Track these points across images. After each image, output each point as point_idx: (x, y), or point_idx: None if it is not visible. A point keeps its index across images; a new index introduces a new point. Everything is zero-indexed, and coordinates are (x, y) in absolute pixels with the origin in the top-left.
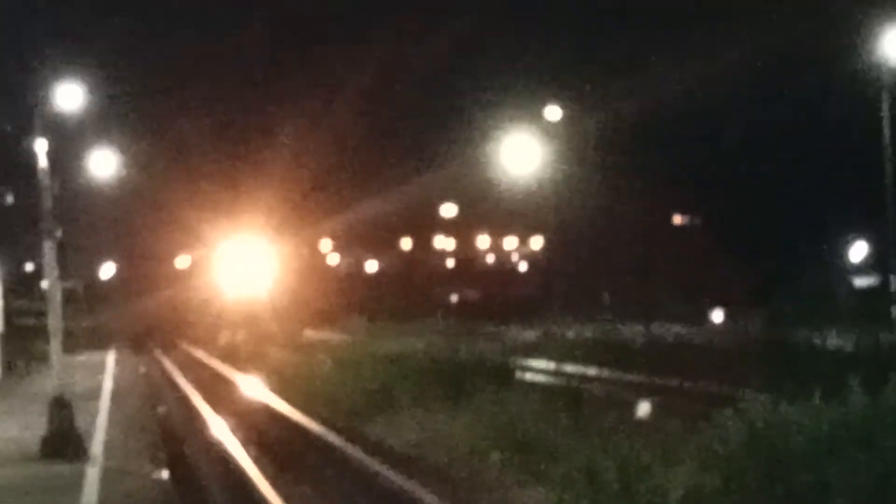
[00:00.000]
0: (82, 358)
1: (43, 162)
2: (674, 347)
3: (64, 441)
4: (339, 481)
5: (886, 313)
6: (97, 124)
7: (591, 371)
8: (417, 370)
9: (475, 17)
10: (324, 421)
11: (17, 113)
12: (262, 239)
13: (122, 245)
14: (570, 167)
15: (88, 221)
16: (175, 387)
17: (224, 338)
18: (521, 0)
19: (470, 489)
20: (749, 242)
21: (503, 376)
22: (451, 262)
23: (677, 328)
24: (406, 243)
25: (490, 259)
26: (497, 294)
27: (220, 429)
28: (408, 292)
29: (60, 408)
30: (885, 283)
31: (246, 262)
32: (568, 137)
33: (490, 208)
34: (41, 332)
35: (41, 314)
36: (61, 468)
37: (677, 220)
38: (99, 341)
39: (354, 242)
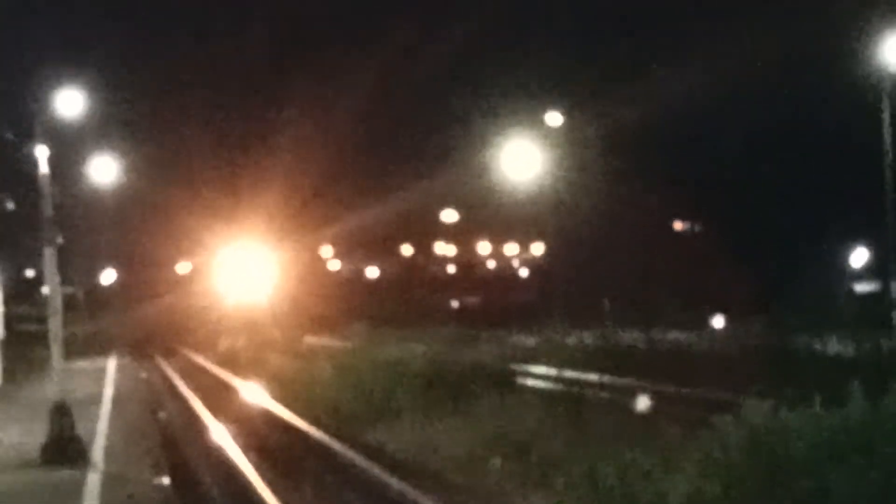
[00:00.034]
0: (83, 364)
1: (43, 168)
2: (674, 353)
3: (65, 447)
4: (339, 487)
5: (887, 319)
6: (97, 131)
7: (592, 377)
8: (418, 376)
9: (476, 23)
10: (324, 427)
11: (18, 119)
12: (262, 245)
13: (123, 251)
14: (570, 173)
15: (89, 227)
16: (176, 393)
17: (224, 344)
18: (521, 6)
19: (470, 495)
20: (750, 248)
21: (504, 382)
22: (451, 269)
23: (678, 334)
24: (407, 249)
25: (491, 265)
26: (497, 300)
27: (220, 435)
28: (408, 298)
29: (61, 414)
30: (885, 289)
31: (246, 268)
32: (569, 143)
33: (491, 214)
34: (42, 338)
35: (42, 320)
36: (62, 474)
37: (678, 225)
38: (100, 347)
39: (355, 248)
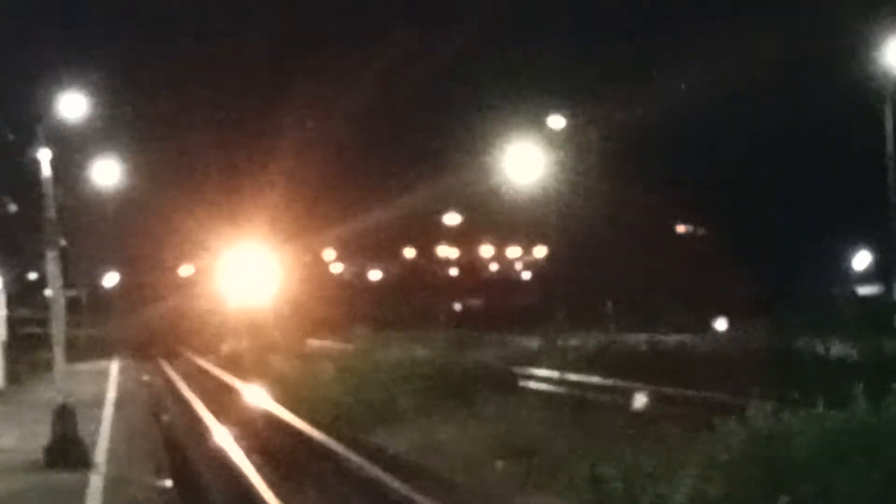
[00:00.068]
0: (86, 366)
1: (46, 171)
2: (677, 355)
3: (67, 450)
4: (342, 490)
5: (889, 322)
6: (100, 133)
7: (594, 379)
8: (421, 378)
9: (477, 26)
10: (326, 429)
11: (21, 122)
12: (265, 248)
13: (126, 254)
14: (573, 176)
15: (92, 230)
16: (178, 395)
17: (227, 347)
18: (522, 7)
19: (473, 497)
20: (752, 251)
21: (506, 384)
22: (454, 271)
23: (680, 336)
24: (409, 252)
25: (493, 268)
26: (500, 302)
27: (223, 437)
28: (411, 301)
29: (64, 416)
30: (888, 292)
31: (249, 270)
32: (571, 146)
33: (493, 217)
34: (44, 341)
35: (44, 323)
36: (64, 477)
37: (680, 228)
38: (102, 350)
39: (358, 251)
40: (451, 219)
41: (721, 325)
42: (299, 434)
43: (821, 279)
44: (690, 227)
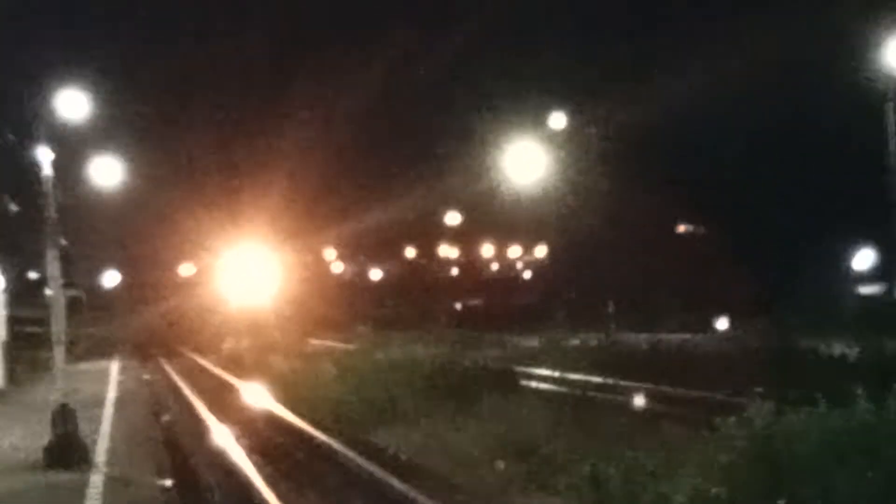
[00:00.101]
0: (86, 366)
1: (47, 171)
2: (678, 355)
3: (67, 449)
4: (343, 490)
5: (891, 321)
6: (100, 133)
7: (595, 379)
8: (421, 378)
9: (478, 26)
10: (327, 429)
11: (22, 122)
12: (265, 247)
13: (126, 253)
14: (573, 175)
15: (92, 230)
16: (179, 395)
17: (228, 346)
18: (523, 9)
19: (474, 497)
20: (753, 250)
21: (507, 384)
22: (455, 271)
23: (681, 336)
24: (410, 252)
25: (494, 267)
26: (501, 302)
27: (224, 437)
28: (412, 300)
29: (64, 416)
30: (890, 291)
31: (250, 270)
32: (571, 146)
33: (494, 217)
34: (45, 341)
35: (45, 322)
36: (65, 477)
37: (681, 227)
38: (103, 350)
39: (358, 251)
40: (452, 218)
41: (722, 324)
42: (300, 434)
43: (822, 279)
44: (691, 227)
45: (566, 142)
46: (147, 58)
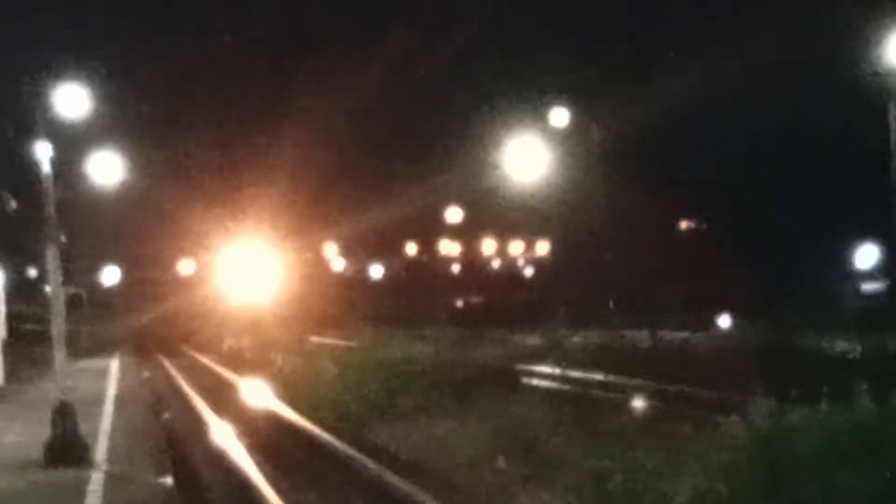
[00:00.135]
0: (86, 364)
1: (46, 168)
2: (679, 352)
3: (67, 447)
4: (344, 488)
5: (894, 320)
6: (101, 130)
7: (597, 376)
8: (422, 376)
9: (479, 23)
10: (328, 426)
11: (21, 118)
12: (266, 244)
13: (126, 251)
14: (575, 172)
15: (92, 227)
16: (179, 392)
17: (228, 344)
18: (524, 9)
19: (475, 495)
20: (755, 247)
21: (508, 381)
22: (456, 268)
23: (683, 333)
24: (411, 249)
25: (495, 264)
26: (502, 299)
27: (224, 435)
28: (413, 297)
29: (64, 414)
30: (892, 288)
31: (250, 267)
32: (574, 142)
33: (496, 213)
34: (44, 338)
35: (44, 320)
36: (65, 474)
37: (683, 225)
38: (103, 347)
39: (359, 248)
40: (453, 215)
41: (724, 321)
42: (300, 431)
43: (824, 277)
44: (693, 224)
45: (567, 138)
46: (147, 56)
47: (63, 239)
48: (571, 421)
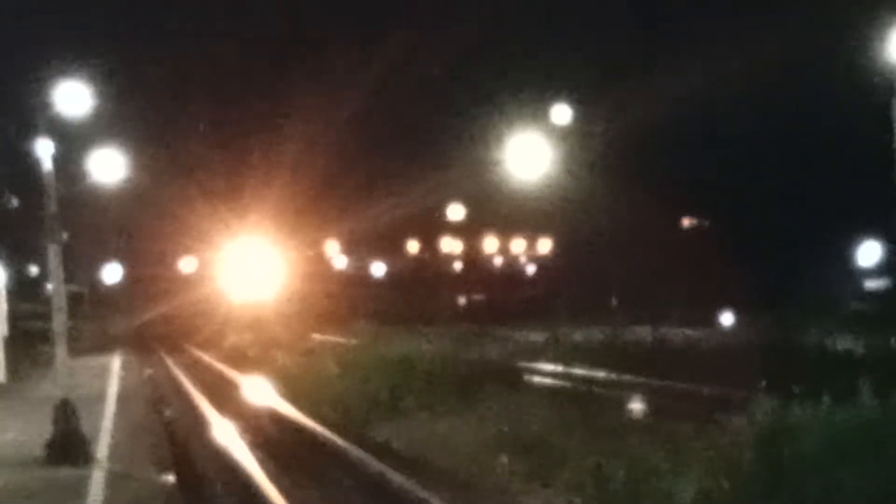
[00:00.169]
0: (88, 361)
1: (48, 165)
2: (683, 350)
3: (69, 445)
4: (346, 484)
5: None
6: (103, 128)
7: (600, 374)
8: (425, 373)
9: (480, 22)
10: (330, 424)
11: (23, 116)
12: (268, 242)
13: (128, 248)
14: (577, 169)
15: (94, 225)
16: (181, 390)
17: (230, 341)
18: (524, 9)
19: (477, 492)
20: (758, 244)
21: (511, 379)
22: (458, 265)
23: (686, 331)
24: (413, 246)
25: (498, 262)
26: (504, 296)
27: (226, 432)
28: (415, 295)
29: (65, 411)
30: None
31: (252, 265)
32: (576, 140)
33: (498, 210)
34: (46, 336)
35: (46, 317)
36: (66, 472)
37: (685, 222)
38: (104, 345)
39: (361, 245)
40: (455, 212)
41: (727, 319)
42: (302, 429)
43: (827, 274)
44: (696, 222)
45: (569, 136)
46: (148, 54)
47: (64, 237)
48: (573, 418)
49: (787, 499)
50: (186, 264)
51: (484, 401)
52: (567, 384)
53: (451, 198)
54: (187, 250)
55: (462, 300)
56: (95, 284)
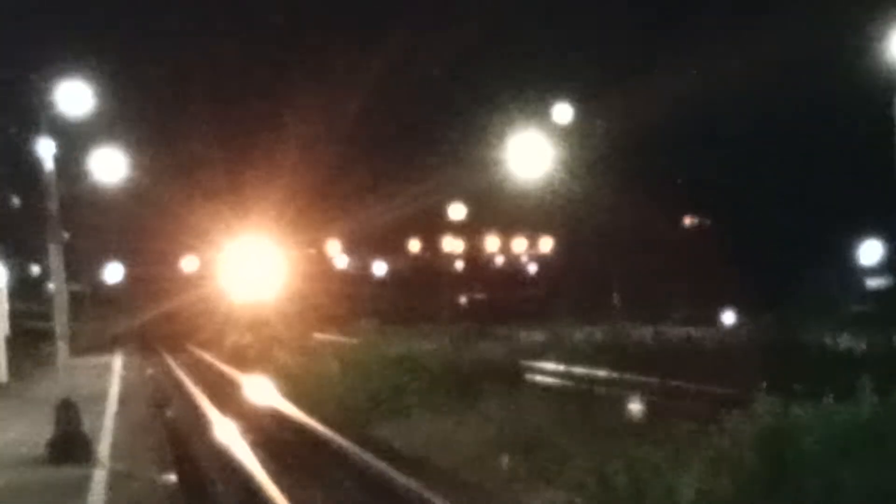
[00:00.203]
0: (89, 361)
1: (49, 165)
2: (684, 349)
3: (70, 444)
4: (348, 485)
5: None
6: (104, 127)
7: (601, 373)
8: (426, 372)
9: (480, 22)
10: (332, 423)
11: (25, 115)
12: (269, 241)
13: (128, 248)
14: (579, 168)
15: (95, 224)
16: (182, 389)
17: (231, 341)
18: (524, 9)
19: (479, 492)
20: (759, 244)
21: (512, 378)
22: (459, 264)
23: (688, 329)
24: (414, 245)
25: (499, 260)
26: (506, 296)
27: (228, 432)
28: (416, 294)
29: (67, 410)
30: None
31: (253, 264)
32: (577, 139)
33: (499, 210)
34: (48, 335)
35: (48, 317)
36: (68, 471)
37: (687, 221)
38: (106, 344)
39: (362, 245)
40: (457, 211)
41: (729, 317)
42: (303, 428)
43: (829, 272)
44: (696, 221)
45: (570, 135)
46: (148, 54)
47: (66, 236)
48: (575, 417)
49: (788, 497)
50: (187, 264)
51: (485, 400)
52: (568, 383)
53: (453, 197)
54: (188, 250)
55: (463, 299)
56: (97, 284)
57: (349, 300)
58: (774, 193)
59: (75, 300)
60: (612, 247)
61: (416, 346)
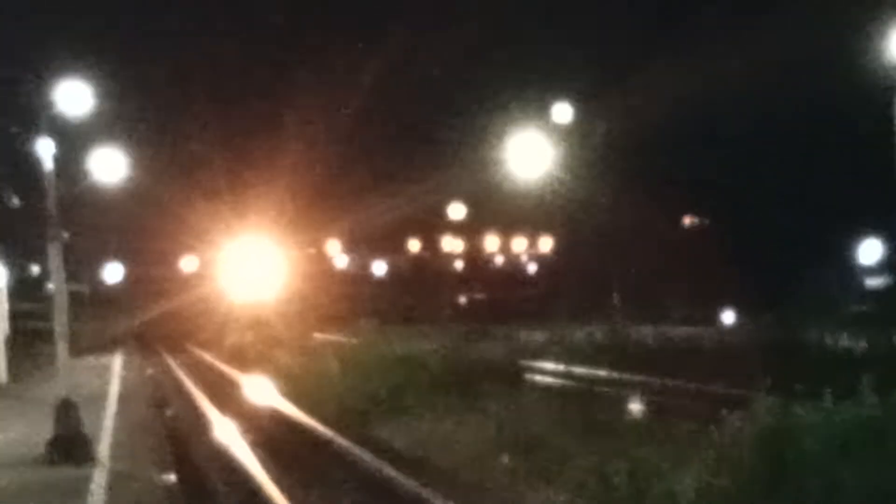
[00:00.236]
0: (89, 361)
1: (49, 165)
2: (684, 348)
3: (70, 444)
4: (348, 485)
5: None
6: (103, 127)
7: (601, 373)
8: (426, 372)
9: (480, 22)
10: (332, 423)
11: (24, 115)
12: (269, 241)
13: (128, 247)
14: (579, 168)
15: (95, 224)
16: (182, 389)
17: (231, 340)
18: (524, 9)
19: (479, 492)
20: (759, 243)
21: (512, 378)
22: (459, 264)
23: (688, 329)
24: (414, 245)
25: (499, 260)
26: (506, 295)
27: (228, 432)
28: (416, 294)
29: (67, 410)
30: None
31: (253, 264)
32: (577, 139)
33: (499, 209)
34: (47, 335)
35: (47, 317)
36: (68, 471)
37: (687, 220)
38: (105, 344)
39: (362, 244)
40: (456, 211)
41: (728, 317)
42: (304, 428)
43: (828, 272)
44: (696, 220)
45: (570, 135)
46: (148, 54)
47: (65, 236)
48: (575, 417)
49: (789, 497)
50: (187, 264)
51: (485, 400)
52: (568, 383)
53: (452, 197)
54: (188, 250)
55: (463, 299)
56: (96, 284)
57: (349, 300)
58: (774, 193)
59: (75, 300)
60: (612, 247)
61: (416, 346)
